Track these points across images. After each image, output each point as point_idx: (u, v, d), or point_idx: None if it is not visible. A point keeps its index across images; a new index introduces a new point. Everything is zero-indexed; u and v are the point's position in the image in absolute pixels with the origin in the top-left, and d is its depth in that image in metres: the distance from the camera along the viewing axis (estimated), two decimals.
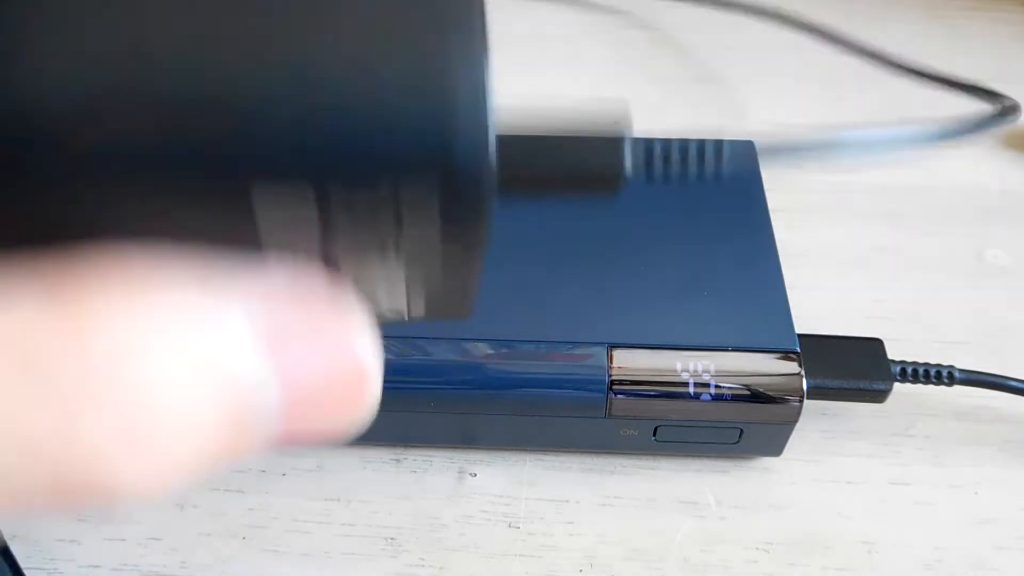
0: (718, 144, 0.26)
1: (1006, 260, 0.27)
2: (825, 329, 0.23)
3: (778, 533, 0.21)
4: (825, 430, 0.23)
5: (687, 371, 0.20)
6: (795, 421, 0.21)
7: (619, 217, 0.23)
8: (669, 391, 0.20)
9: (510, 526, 0.21)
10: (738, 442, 0.21)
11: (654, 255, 0.23)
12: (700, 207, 0.24)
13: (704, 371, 0.20)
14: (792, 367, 0.20)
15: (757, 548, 0.21)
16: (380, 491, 0.22)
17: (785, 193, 0.29)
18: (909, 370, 0.22)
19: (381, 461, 0.22)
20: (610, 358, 0.20)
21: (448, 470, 0.22)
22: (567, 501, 0.22)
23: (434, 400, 0.21)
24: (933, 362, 0.22)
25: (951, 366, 0.22)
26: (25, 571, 0.20)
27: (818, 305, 0.26)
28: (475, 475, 0.22)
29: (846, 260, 0.27)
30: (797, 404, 0.20)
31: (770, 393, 0.20)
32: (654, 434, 0.21)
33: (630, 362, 0.20)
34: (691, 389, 0.20)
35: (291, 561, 0.21)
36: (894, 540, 0.21)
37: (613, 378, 0.20)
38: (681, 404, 0.20)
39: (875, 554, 0.21)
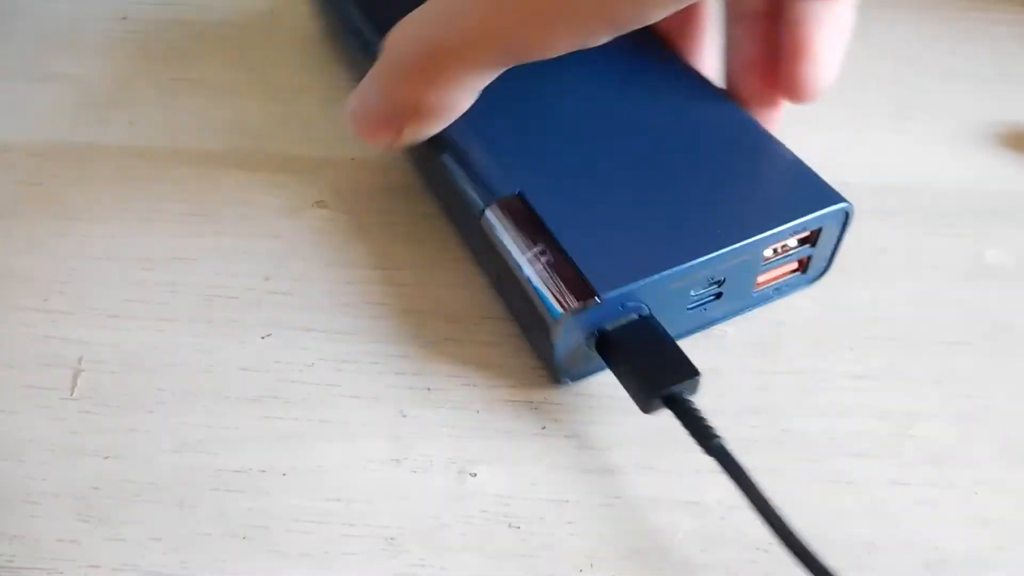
0: None
1: (1006, 260, 0.27)
2: (826, 329, 0.23)
3: None
4: (825, 430, 0.23)
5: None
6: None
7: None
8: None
9: (510, 526, 0.21)
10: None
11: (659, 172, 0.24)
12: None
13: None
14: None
15: (757, 548, 0.21)
16: (380, 491, 0.22)
17: None
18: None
19: (381, 461, 0.22)
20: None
21: (448, 470, 0.22)
22: (567, 501, 0.22)
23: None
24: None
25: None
26: (25, 571, 0.20)
27: (818, 305, 0.26)
28: (475, 475, 0.22)
29: (846, 260, 0.27)
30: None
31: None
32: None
33: None
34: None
35: (291, 561, 0.21)
36: (894, 540, 0.21)
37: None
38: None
39: (875, 554, 0.21)
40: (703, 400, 0.23)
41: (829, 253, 0.25)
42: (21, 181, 0.30)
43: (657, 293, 0.22)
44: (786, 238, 0.23)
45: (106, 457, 0.22)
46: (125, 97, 0.33)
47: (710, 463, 0.22)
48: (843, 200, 0.23)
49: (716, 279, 0.23)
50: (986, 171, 0.30)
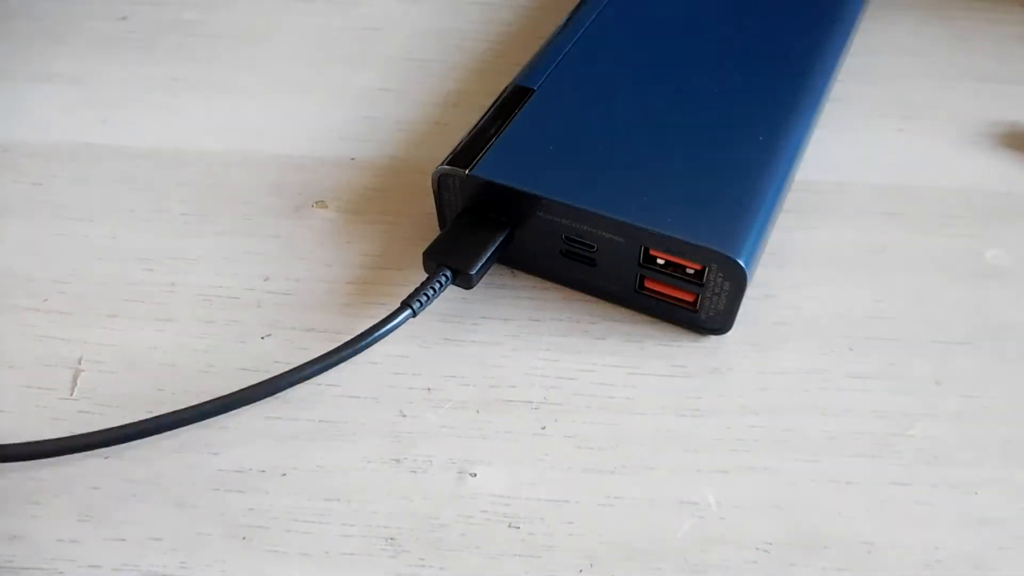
0: None
1: (1006, 260, 0.27)
2: (826, 329, 0.23)
3: (778, 533, 0.21)
4: (825, 430, 0.23)
5: None
6: None
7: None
8: None
9: (510, 526, 0.21)
10: None
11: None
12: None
13: None
14: None
15: (757, 548, 0.21)
16: (380, 491, 0.22)
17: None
18: None
19: (381, 461, 0.22)
20: None
21: (448, 470, 0.22)
22: (567, 501, 0.22)
23: None
24: None
25: None
26: (25, 571, 0.20)
27: (818, 305, 0.26)
28: (475, 475, 0.22)
29: (846, 260, 0.27)
30: None
31: None
32: None
33: None
34: None
35: (291, 561, 0.21)
36: (894, 540, 0.21)
37: None
38: None
39: (875, 554, 0.21)
40: (704, 399, 0.23)
41: (723, 307, 0.24)
42: (21, 181, 0.30)
43: (523, 209, 0.24)
44: (665, 249, 0.23)
45: (106, 457, 0.22)
46: (125, 97, 0.33)
47: (710, 463, 0.22)
48: (739, 256, 0.22)
49: (585, 239, 0.24)
50: (986, 171, 0.30)
